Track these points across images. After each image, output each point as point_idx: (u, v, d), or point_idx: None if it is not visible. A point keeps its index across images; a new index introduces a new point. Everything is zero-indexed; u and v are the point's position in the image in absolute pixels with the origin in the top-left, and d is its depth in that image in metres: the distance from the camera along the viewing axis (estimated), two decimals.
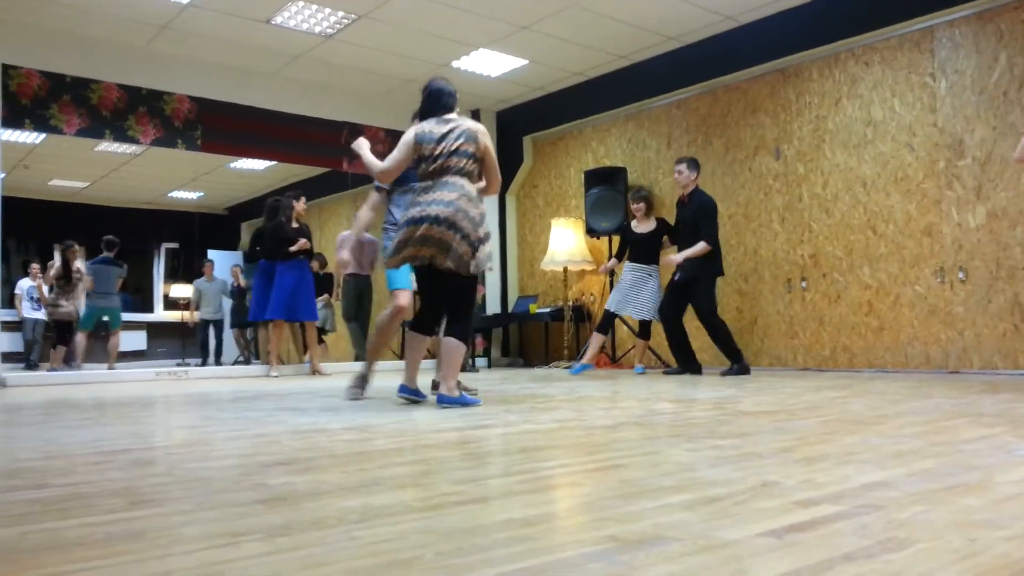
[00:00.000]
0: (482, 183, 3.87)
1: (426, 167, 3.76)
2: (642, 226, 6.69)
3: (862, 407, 3.26)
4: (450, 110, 3.91)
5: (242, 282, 10.96)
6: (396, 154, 3.90)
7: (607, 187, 7.86)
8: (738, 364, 6.01)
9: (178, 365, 11.10)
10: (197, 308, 11.72)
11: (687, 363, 6.35)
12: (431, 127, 3.80)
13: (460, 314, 3.78)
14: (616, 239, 7.32)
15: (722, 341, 6.08)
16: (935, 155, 5.87)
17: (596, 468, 1.88)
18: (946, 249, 5.79)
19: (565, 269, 8.31)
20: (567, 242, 8.19)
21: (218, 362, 11.38)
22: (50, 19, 6.67)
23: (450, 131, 3.76)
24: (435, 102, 3.91)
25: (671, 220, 6.66)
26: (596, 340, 6.54)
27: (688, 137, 7.63)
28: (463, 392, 3.88)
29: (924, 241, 5.92)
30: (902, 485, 1.59)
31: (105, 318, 9.35)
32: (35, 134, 8.97)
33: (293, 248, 7.44)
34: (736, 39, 7.07)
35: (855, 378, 5.36)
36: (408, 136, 3.86)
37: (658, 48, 7.56)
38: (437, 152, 3.72)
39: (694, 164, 6.25)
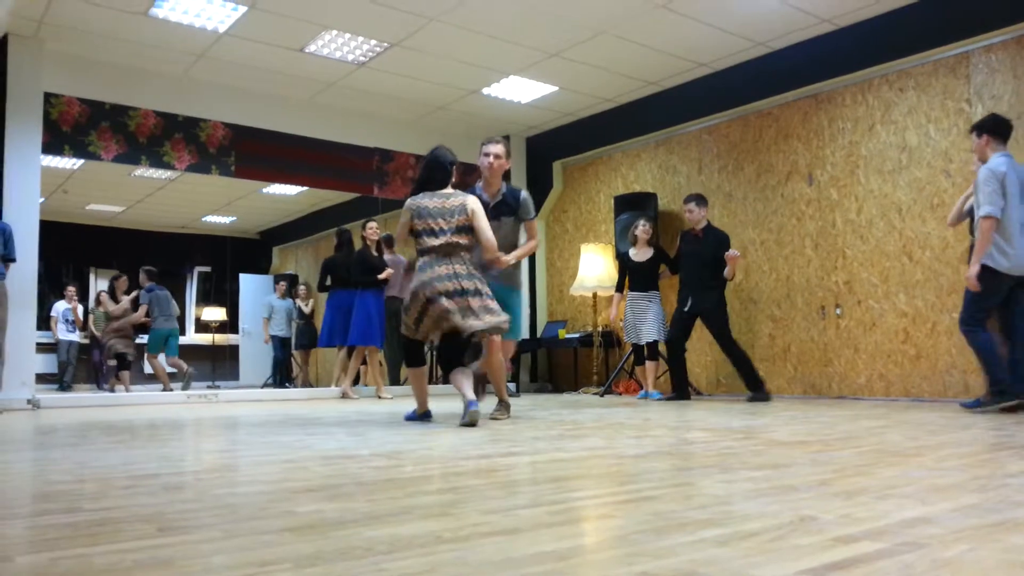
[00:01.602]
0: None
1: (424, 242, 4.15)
2: (640, 254, 7.02)
3: (900, 437, 3.19)
4: (443, 185, 4.30)
5: (305, 308, 11.16)
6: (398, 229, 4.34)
7: (637, 212, 7.84)
8: (760, 392, 6.17)
9: (209, 387, 11.18)
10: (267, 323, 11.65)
11: (682, 390, 6.60)
12: (425, 202, 4.21)
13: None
14: None
15: (745, 369, 6.28)
16: (972, 181, 5.77)
17: (627, 499, 1.85)
18: None
19: (595, 294, 8.27)
20: (596, 267, 8.16)
21: (282, 380, 11.38)
22: (91, 49, 6.83)
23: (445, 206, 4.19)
24: (430, 174, 4.34)
25: (669, 250, 7.06)
26: (649, 369, 7.00)
27: (719, 163, 7.59)
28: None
29: (961, 268, 5.80)
30: (945, 521, 1.54)
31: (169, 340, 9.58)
32: (74, 160, 9.16)
33: (381, 276, 7.64)
34: (768, 65, 7.05)
35: (892, 407, 5.25)
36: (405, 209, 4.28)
37: (689, 74, 7.55)
38: (435, 228, 4.13)
39: (703, 200, 6.59)
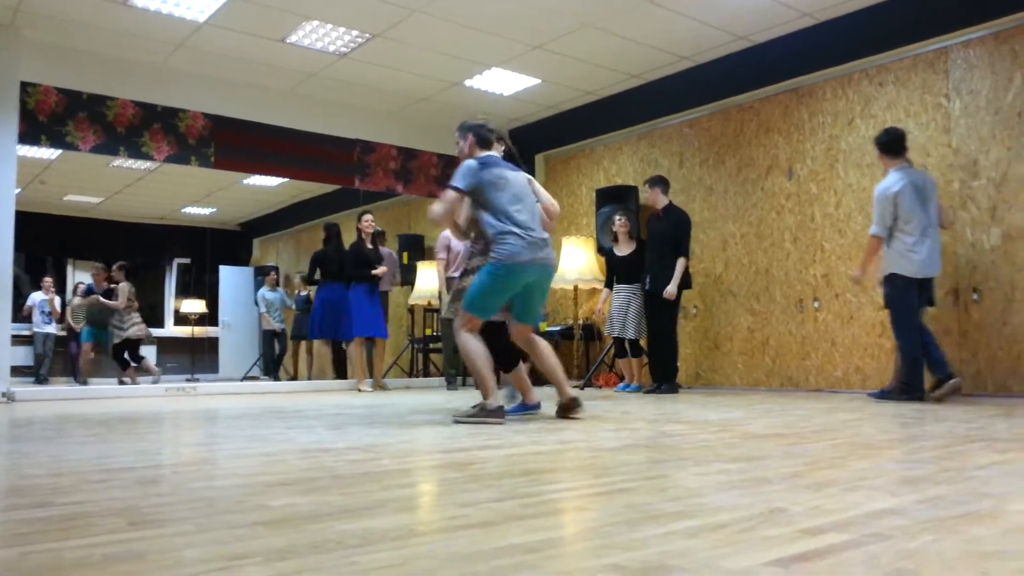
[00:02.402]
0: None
1: None
2: (624, 248, 7.11)
3: (874, 430, 3.22)
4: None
5: (308, 290, 10.58)
6: None
7: (618, 206, 7.86)
8: (668, 384, 6.50)
9: (188, 381, 11.11)
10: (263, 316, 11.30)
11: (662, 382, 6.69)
12: None
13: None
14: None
15: (669, 359, 6.55)
16: (949, 176, 5.84)
17: (601, 492, 1.86)
18: (960, 270, 5.74)
19: (575, 287, 8.29)
20: (578, 260, 8.18)
21: (275, 373, 11.09)
22: (68, 38, 6.75)
23: None
24: None
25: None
26: (634, 364, 7.05)
27: (700, 156, 7.62)
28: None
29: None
30: (912, 513, 1.56)
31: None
32: (51, 150, 9.05)
33: (375, 272, 7.60)
34: (749, 59, 7.08)
35: (867, 399, 5.30)
36: None
37: (671, 67, 7.57)
38: None
39: (658, 181, 6.72)
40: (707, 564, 1.20)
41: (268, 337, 11.17)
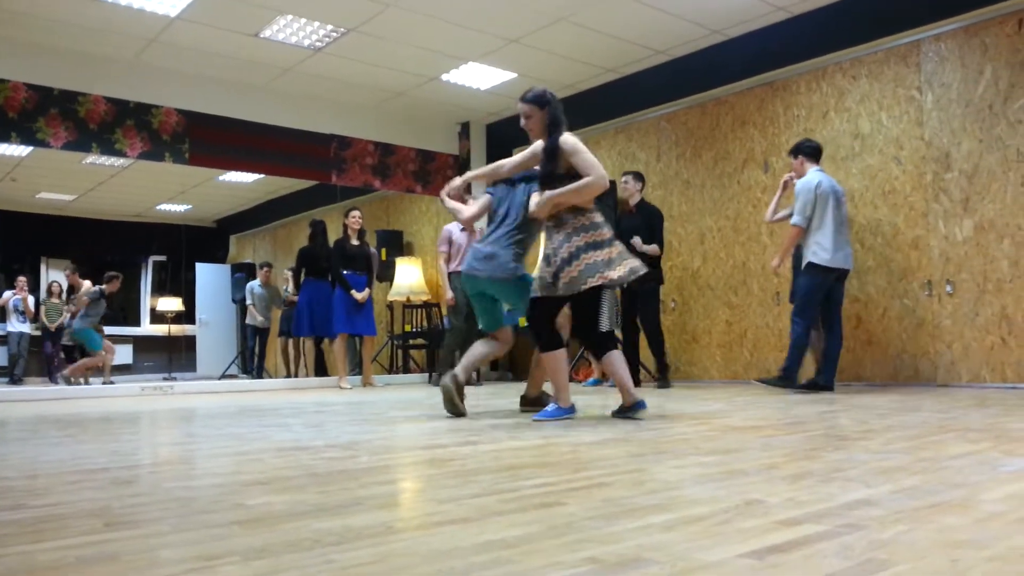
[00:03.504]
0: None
1: None
2: None
3: (849, 421, 3.26)
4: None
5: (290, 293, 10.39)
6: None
7: (596, 200, 7.85)
8: (663, 378, 6.56)
9: (164, 379, 11.01)
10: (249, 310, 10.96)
11: (634, 375, 6.67)
12: None
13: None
14: None
15: (660, 352, 6.61)
16: (922, 168, 5.90)
17: (580, 487, 1.87)
18: (934, 262, 5.81)
19: None
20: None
21: (260, 373, 10.80)
22: (37, 32, 6.65)
23: None
24: None
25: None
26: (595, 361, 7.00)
27: (677, 150, 7.65)
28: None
29: (912, 254, 5.94)
30: (886, 503, 1.58)
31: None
32: (22, 147, 8.93)
33: (359, 297, 7.53)
34: (724, 53, 7.11)
35: (844, 391, 5.36)
36: None
37: (647, 62, 7.58)
38: None
39: (639, 177, 6.77)
40: (682, 556, 1.20)
41: (251, 333, 10.93)
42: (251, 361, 10.97)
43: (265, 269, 10.98)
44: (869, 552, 1.21)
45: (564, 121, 3.90)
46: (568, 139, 3.80)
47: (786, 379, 5.28)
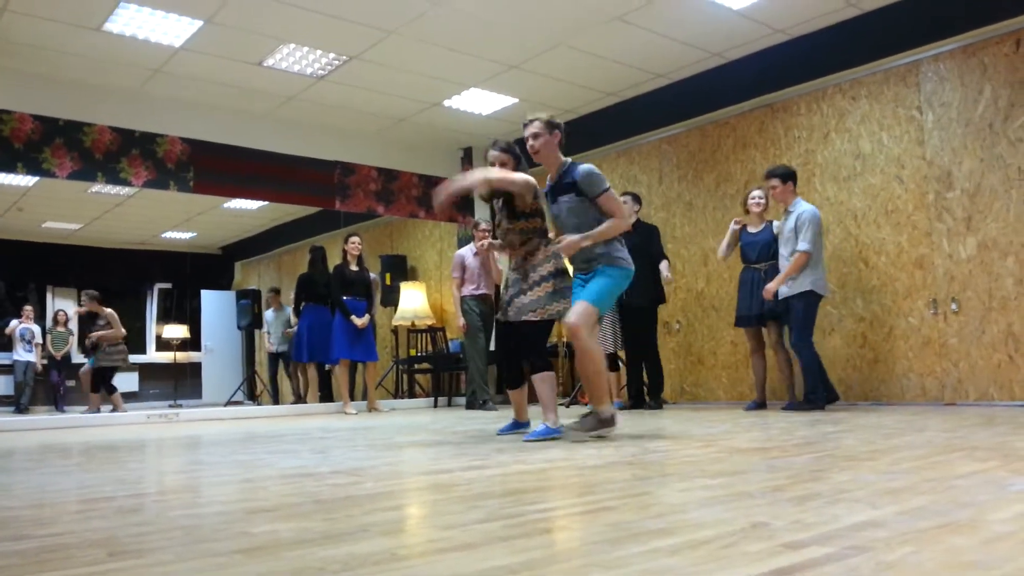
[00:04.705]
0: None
1: None
2: None
3: (856, 442, 3.24)
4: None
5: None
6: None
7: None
8: (656, 398, 6.62)
9: (170, 407, 11.00)
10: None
11: (640, 398, 6.73)
12: None
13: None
14: None
15: (653, 375, 6.67)
16: (924, 187, 5.91)
17: (585, 511, 1.86)
18: (938, 281, 5.81)
19: None
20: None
21: (276, 399, 10.68)
22: (43, 64, 6.73)
23: None
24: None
25: None
26: (611, 379, 6.85)
27: (679, 172, 7.68)
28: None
29: (916, 273, 5.94)
30: (892, 524, 1.57)
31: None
32: (28, 177, 8.99)
33: (359, 322, 7.53)
34: (723, 76, 7.15)
35: (850, 411, 5.33)
36: None
37: (647, 85, 7.64)
38: None
39: (637, 199, 6.85)
40: None
41: (272, 360, 10.78)
42: (273, 388, 10.78)
43: (271, 295, 10.98)
44: (876, 574, 1.20)
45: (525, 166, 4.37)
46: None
47: (812, 403, 5.52)
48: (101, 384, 9.06)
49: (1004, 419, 4.22)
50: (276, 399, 10.69)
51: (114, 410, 8.84)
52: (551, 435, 3.82)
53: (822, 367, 5.66)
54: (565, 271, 4.11)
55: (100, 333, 9.06)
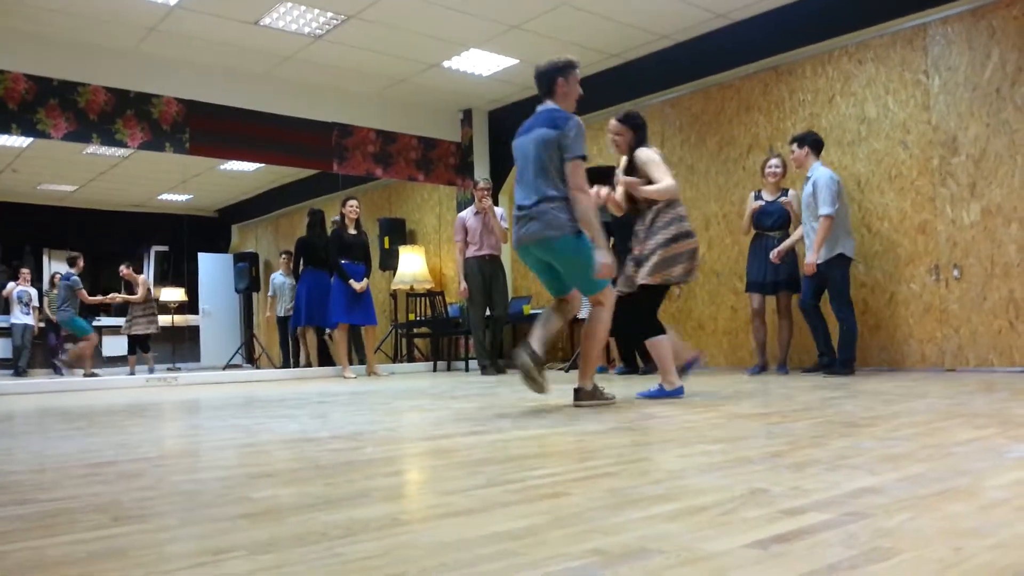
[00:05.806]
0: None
1: None
2: None
3: (856, 408, 3.25)
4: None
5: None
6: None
7: (601, 186, 7.84)
8: (649, 362, 6.48)
9: (169, 370, 11.04)
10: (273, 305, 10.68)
11: (633, 361, 6.76)
12: None
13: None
14: None
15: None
16: (929, 152, 5.87)
17: (585, 477, 1.87)
18: (941, 247, 5.79)
19: None
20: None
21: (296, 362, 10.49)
22: (36, 23, 6.63)
23: None
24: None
25: None
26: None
27: (681, 136, 7.62)
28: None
29: (919, 239, 5.92)
30: (891, 491, 1.58)
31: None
32: (22, 138, 8.92)
33: (358, 286, 7.52)
34: (728, 37, 7.06)
35: (851, 377, 5.35)
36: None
37: (650, 47, 7.54)
38: None
39: None
40: (687, 547, 1.20)
41: (282, 324, 10.44)
42: (284, 353, 10.53)
43: (284, 257, 10.72)
44: (873, 541, 1.21)
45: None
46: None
47: (847, 367, 5.47)
48: (137, 347, 9.97)
49: (1004, 385, 4.24)
50: (288, 363, 10.57)
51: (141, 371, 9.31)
52: (666, 396, 3.97)
53: (828, 337, 5.73)
54: (681, 236, 4.12)
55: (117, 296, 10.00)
